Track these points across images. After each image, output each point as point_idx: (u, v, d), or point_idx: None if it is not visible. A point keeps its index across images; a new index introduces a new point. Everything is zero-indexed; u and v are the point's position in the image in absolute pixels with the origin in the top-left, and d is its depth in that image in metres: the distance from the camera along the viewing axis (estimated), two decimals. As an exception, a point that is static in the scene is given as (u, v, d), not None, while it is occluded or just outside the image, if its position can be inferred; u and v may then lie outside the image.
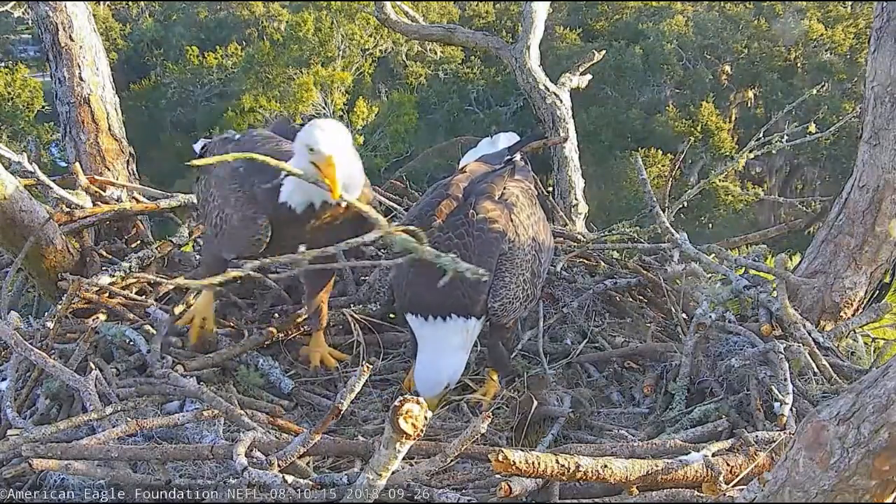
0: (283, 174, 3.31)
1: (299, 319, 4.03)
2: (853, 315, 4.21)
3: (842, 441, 1.96)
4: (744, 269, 4.36)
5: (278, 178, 3.38)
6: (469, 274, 2.25)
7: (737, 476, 2.70)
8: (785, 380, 3.26)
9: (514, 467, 2.35)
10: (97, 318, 3.95)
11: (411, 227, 2.27)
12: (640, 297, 4.68)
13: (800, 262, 4.46)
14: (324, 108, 25.68)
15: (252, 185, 3.48)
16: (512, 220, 3.51)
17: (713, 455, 2.70)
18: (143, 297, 4.31)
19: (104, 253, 4.68)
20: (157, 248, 4.69)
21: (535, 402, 3.44)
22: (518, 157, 3.99)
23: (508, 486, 2.42)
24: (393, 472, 2.33)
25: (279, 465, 2.57)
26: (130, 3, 34.38)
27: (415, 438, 2.16)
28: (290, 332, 4.01)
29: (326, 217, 3.43)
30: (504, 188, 3.63)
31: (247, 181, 3.51)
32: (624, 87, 24.87)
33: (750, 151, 5.62)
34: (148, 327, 3.87)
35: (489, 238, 3.43)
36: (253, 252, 3.43)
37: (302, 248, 2.19)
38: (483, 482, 2.72)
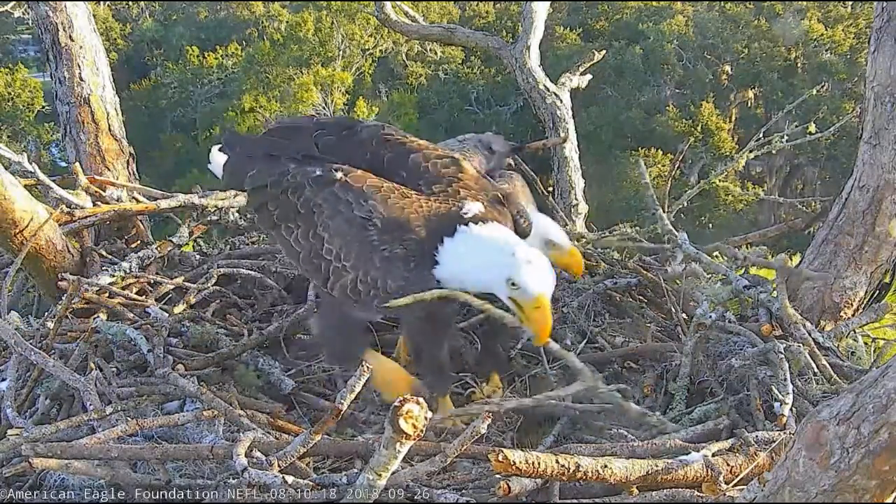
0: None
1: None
2: (853, 315, 4.20)
3: (842, 441, 1.96)
4: (745, 268, 4.36)
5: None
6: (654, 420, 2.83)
7: (737, 476, 2.70)
8: (785, 380, 3.25)
9: (513, 467, 2.35)
10: (97, 317, 3.95)
11: (621, 386, 2.64)
12: (640, 298, 4.67)
13: (800, 262, 4.45)
14: (324, 108, 25.68)
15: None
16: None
17: (713, 455, 2.70)
18: (143, 297, 4.31)
19: (104, 253, 4.68)
20: (157, 248, 4.69)
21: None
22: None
23: (508, 485, 2.42)
24: (393, 473, 2.33)
25: (279, 466, 2.57)
26: (130, 3, 34.42)
27: (415, 439, 2.16)
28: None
29: None
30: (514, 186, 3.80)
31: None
32: (624, 87, 24.92)
33: (750, 151, 5.62)
34: (148, 327, 3.87)
35: None
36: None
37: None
38: (483, 482, 2.72)
